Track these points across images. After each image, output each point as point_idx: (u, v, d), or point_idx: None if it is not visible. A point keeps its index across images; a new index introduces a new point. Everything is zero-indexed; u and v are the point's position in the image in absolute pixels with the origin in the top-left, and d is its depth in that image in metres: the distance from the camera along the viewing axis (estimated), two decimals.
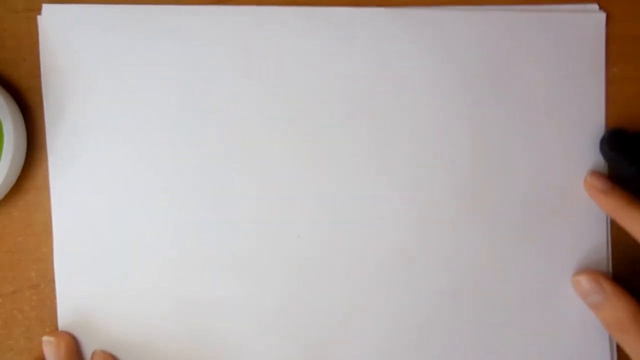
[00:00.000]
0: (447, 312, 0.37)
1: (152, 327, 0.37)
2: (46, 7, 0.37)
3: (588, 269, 0.37)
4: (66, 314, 0.37)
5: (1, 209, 0.38)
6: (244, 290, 0.37)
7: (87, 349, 0.37)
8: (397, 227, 0.37)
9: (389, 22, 0.37)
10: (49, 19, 0.37)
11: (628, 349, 0.34)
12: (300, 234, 0.37)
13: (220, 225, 0.37)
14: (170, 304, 0.37)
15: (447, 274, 0.37)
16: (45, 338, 0.37)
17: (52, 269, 0.38)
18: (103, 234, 0.37)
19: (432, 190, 0.37)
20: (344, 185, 0.37)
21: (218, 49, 0.37)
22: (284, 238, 0.37)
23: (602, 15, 0.37)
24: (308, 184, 0.37)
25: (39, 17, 0.37)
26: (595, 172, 0.37)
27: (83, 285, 0.37)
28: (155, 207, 0.37)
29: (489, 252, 0.37)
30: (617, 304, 0.34)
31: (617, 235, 0.37)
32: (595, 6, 0.37)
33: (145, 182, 0.37)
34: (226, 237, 0.37)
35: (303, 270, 0.37)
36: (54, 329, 0.37)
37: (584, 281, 0.36)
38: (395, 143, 0.37)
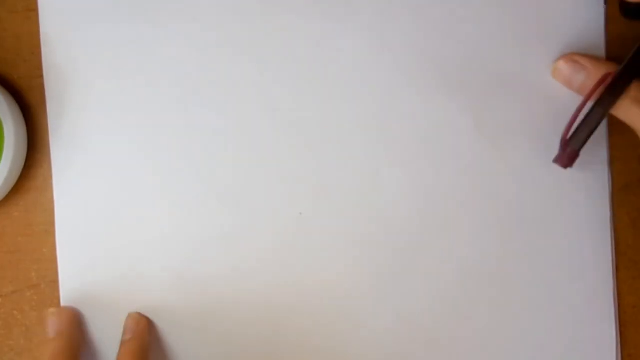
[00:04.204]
0: (450, 295, 0.38)
1: (157, 316, 0.38)
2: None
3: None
4: (69, 302, 0.38)
5: (1, 209, 0.38)
6: (246, 267, 0.37)
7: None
8: (399, 205, 0.37)
9: (391, 2, 0.37)
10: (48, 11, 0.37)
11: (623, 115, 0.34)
12: (302, 211, 0.37)
13: (223, 205, 0.37)
14: (173, 289, 0.38)
15: (449, 257, 0.37)
16: (48, 311, 0.37)
17: (52, 269, 0.38)
18: (105, 228, 0.38)
19: (434, 172, 0.37)
20: (346, 164, 0.37)
21: (219, 28, 0.37)
22: (285, 215, 0.37)
23: (602, 14, 0.37)
24: (310, 162, 0.37)
25: (39, 9, 0.37)
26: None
27: (86, 278, 0.38)
28: (159, 196, 0.38)
29: (491, 241, 0.37)
30: (599, 74, 0.35)
31: (620, 233, 0.38)
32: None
33: (148, 174, 0.38)
34: (229, 215, 0.37)
35: (304, 247, 0.37)
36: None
37: (562, 66, 0.36)
38: (397, 124, 0.37)
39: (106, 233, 0.38)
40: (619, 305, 0.38)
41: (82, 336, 0.37)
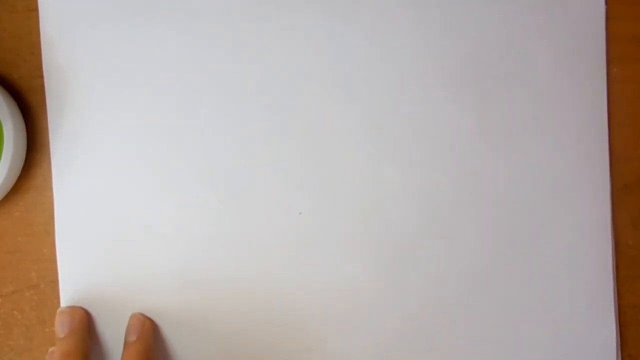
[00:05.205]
0: (450, 295, 0.38)
1: (157, 316, 0.38)
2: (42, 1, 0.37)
3: None
4: (69, 302, 0.38)
5: (1, 209, 0.38)
6: (245, 267, 0.37)
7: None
8: (399, 206, 0.37)
9: (392, 1, 0.37)
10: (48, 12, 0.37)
11: None
12: (302, 211, 0.37)
13: (223, 205, 0.37)
14: (173, 289, 0.37)
15: (449, 257, 0.37)
16: (59, 309, 0.37)
17: (52, 269, 0.38)
18: (105, 228, 0.38)
19: (434, 172, 0.37)
20: (346, 164, 0.37)
21: (219, 28, 0.37)
22: (285, 215, 0.37)
23: (603, 15, 0.37)
24: (310, 162, 0.37)
25: (39, 9, 0.37)
26: None
27: (86, 278, 0.38)
28: (159, 196, 0.37)
29: (491, 241, 0.37)
30: None
31: (620, 233, 0.38)
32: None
33: (148, 173, 0.38)
34: (229, 215, 0.37)
35: (304, 247, 0.37)
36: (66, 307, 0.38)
37: None
38: (397, 124, 0.37)
39: (106, 233, 0.38)
40: (619, 305, 0.38)
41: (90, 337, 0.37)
